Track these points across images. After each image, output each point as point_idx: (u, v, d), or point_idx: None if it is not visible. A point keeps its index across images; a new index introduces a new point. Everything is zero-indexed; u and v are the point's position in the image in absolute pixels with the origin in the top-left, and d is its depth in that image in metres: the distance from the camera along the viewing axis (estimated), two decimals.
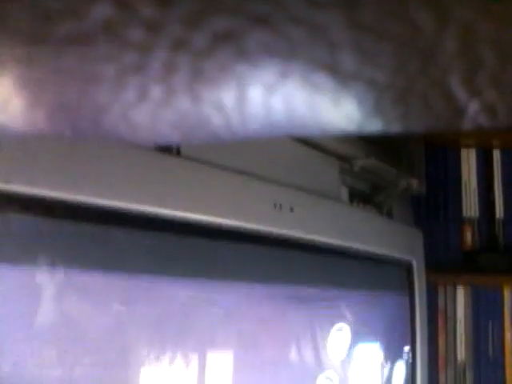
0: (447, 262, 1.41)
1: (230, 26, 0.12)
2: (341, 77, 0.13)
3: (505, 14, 0.11)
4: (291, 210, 0.81)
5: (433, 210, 1.44)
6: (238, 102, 0.14)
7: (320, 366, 0.86)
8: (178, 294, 0.65)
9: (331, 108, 0.14)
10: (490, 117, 0.15)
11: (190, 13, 0.11)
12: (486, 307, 1.38)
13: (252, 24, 0.11)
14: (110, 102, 0.13)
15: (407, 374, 1.10)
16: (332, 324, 0.90)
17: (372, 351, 1.00)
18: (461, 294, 1.39)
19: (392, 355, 1.06)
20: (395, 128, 0.15)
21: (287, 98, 0.14)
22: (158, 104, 0.14)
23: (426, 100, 0.14)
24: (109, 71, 0.12)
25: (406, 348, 1.10)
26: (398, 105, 0.14)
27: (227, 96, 0.13)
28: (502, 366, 1.36)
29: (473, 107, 0.14)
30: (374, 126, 0.15)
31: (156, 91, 0.13)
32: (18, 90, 0.13)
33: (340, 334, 0.91)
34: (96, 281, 0.56)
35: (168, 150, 0.66)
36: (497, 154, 1.46)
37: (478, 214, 1.44)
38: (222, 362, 0.70)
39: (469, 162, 1.46)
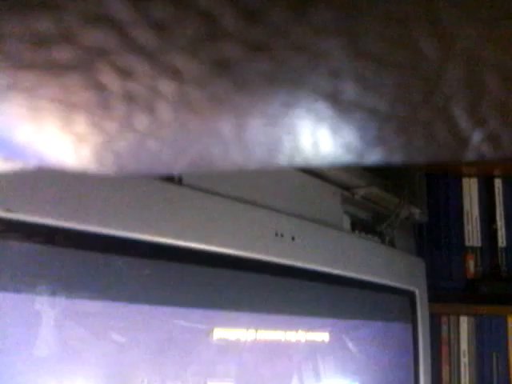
0: (450, 291, 1.40)
1: (228, 55, 0.11)
2: (342, 106, 0.12)
3: (509, 41, 0.10)
4: (293, 238, 0.80)
5: (435, 239, 1.44)
6: (236, 133, 0.13)
7: None
8: (179, 324, 0.64)
9: (332, 138, 0.14)
10: (494, 147, 0.15)
11: (189, 41, 0.11)
12: (489, 337, 1.36)
13: (252, 52, 0.11)
14: (99, 132, 0.13)
15: None
16: (334, 354, 0.88)
17: (375, 382, 0.99)
18: (464, 324, 1.38)
19: None
20: (397, 158, 0.15)
21: (287, 128, 0.13)
22: (146, 133, 0.13)
23: (428, 130, 0.13)
24: (99, 99, 0.12)
25: (410, 379, 1.09)
26: (400, 134, 0.14)
27: (225, 126, 0.13)
28: None
29: (477, 137, 0.14)
30: (376, 156, 0.15)
31: (145, 120, 0.13)
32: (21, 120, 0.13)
33: (342, 364, 0.90)
34: (97, 309, 0.56)
35: (170, 178, 0.66)
36: (498, 183, 1.45)
37: (480, 243, 1.43)
38: None
39: (470, 190, 1.46)
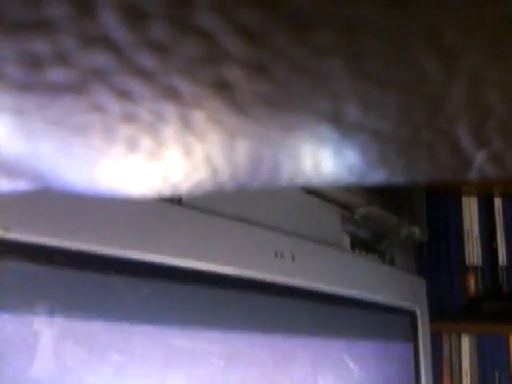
0: (451, 310, 1.40)
1: (228, 76, 0.11)
2: (344, 128, 0.12)
3: None
4: (293, 258, 0.80)
5: (435, 257, 1.43)
6: (237, 155, 0.13)
7: None
8: (178, 344, 0.63)
9: (334, 159, 0.14)
10: (497, 166, 0.14)
11: (188, 62, 0.11)
12: (491, 356, 1.36)
13: (252, 74, 0.11)
14: (100, 155, 0.13)
15: None
16: (335, 374, 0.88)
17: None
18: (465, 344, 1.37)
19: None
20: (399, 179, 0.15)
21: (288, 149, 0.13)
22: (147, 156, 0.13)
23: (431, 151, 0.13)
24: (98, 122, 0.12)
25: None
26: (403, 156, 0.14)
27: (226, 148, 0.13)
28: None
29: (480, 157, 0.14)
30: (378, 177, 0.15)
31: (146, 143, 0.13)
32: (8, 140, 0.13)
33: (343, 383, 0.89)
34: (95, 329, 0.55)
35: (169, 198, 0.66)
36: (498, 202, 1.45)
37: (480, 262, 1.43)
38: None
39: (470, 209, 1.46)
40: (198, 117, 0.12)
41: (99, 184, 0.15)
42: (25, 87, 0.11)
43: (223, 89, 0.11)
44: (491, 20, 0.10)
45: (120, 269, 0.59)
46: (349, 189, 0.96)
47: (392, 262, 1.14)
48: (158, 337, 0.61)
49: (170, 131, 0.12)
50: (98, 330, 0.56)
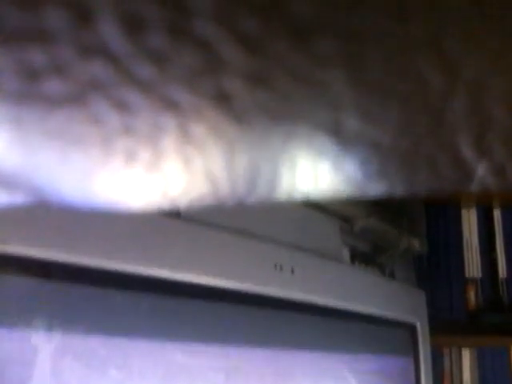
0: (451, 323, 1.39)
1: (228, 86, 0.11)
2: (344, 139, 0.12)
3: None
4: (292, 271, 0.80)
5: (435, 270, 1.43)
6: (236, 167, 0.13)
7: None
8: (178, 358, 0.63)
9: (333, 171, 0.13)
10: (499, 178, 0.14)
11: (187, 73, 0.11)
12: (492, 370, 1.35)
13: (251, 84, 0.11)
14: (98, 167, 0.13)
15: None
16: None
17: None
18: (466, 357, 1.36)
19: None
20: (400, 191, 0.15)
21: (287, 161, 0.13)
22: (146, 168, 0.13)
23: (432, 162, 0.13)
24: (96, 133, 0.12)
25: None
26: (404, 168, 0.13)
27: (225, 160, 0.13)
28: None
29: (481, 169, 0.14)
30: (378, 189, 0.15)
31: (144, 155, 0.13)
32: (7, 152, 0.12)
33: None
34: (94, 344, 0.55)
35: (168, 212, 0.65)
36: (497, 213, 1.45)
37: (480, 274, 1.42)
38: None
39: (470, 221, 1.46)
40: (198, 128, 0.12)
41: (97, 197, 0.15)
42: (22, 99, 0.11)
43: (222, 99, 0.11)
44: (493, 30, 0.10)
45: (119, 283, 0.58)
46: (348, 201, 0.96)
47: (392, 275, 1.14)
48: (157, 351, 0.61)
49: (168, 143, 0.12)
50: (97, 344, 0.55)
